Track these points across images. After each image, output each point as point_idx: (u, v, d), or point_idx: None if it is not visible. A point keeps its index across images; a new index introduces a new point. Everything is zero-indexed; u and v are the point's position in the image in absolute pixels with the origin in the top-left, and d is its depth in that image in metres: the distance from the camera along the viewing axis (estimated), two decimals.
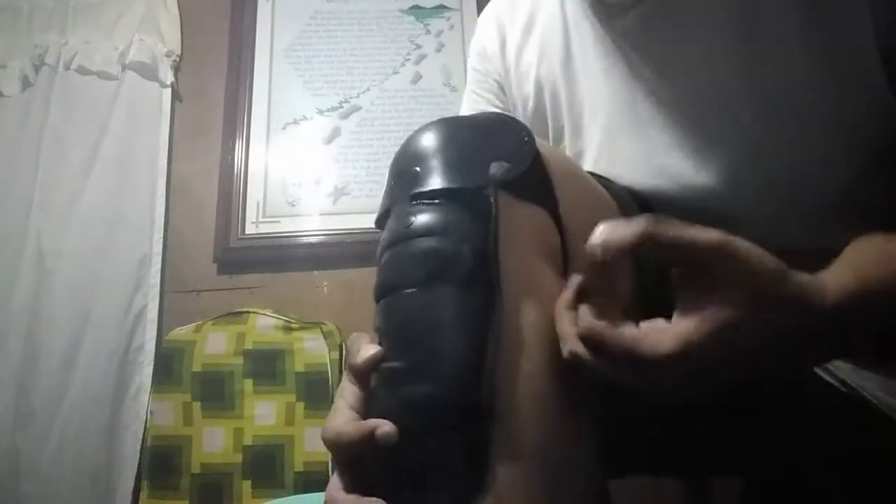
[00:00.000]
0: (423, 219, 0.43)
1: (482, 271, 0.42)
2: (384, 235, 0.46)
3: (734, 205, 0.58)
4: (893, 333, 0.44)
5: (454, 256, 0.42)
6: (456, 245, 0.42)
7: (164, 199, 1.82)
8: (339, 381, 1.82)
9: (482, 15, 0.85)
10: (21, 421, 1.64)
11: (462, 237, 0.42)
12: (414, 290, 0.42)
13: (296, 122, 1.87)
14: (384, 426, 0.40)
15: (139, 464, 1.61)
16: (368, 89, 1.89)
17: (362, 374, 0.44)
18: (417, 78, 1.90)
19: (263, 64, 1.91)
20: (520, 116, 0.77)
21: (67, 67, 1.88)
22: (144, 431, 1.62)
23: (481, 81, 0.82)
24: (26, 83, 1.90)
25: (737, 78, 0.55)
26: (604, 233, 0.39)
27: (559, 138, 0.73)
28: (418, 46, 1.93)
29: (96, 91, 1.87)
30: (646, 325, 0.40)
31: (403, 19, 1.96)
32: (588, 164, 0.68)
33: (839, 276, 0.42)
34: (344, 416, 0.44)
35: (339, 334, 1.67)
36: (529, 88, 0.75)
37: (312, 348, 1.61)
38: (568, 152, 0.71)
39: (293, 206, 1.81)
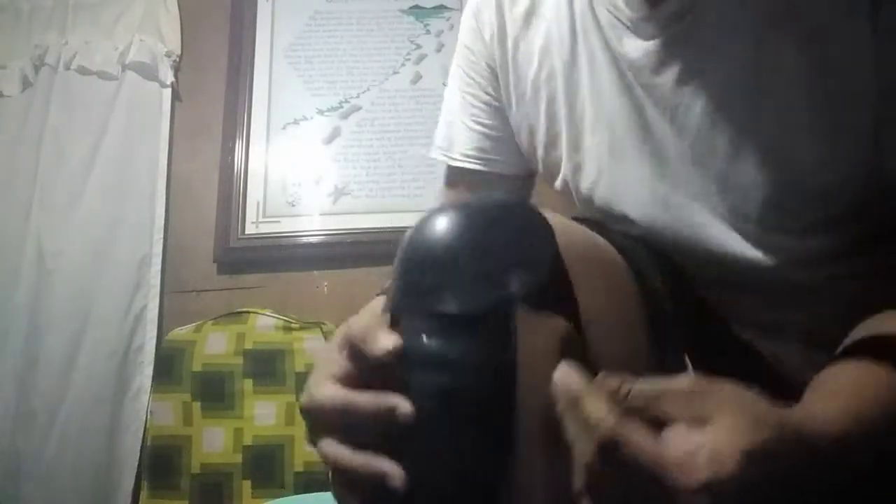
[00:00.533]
0: (436, 345, 0.41)
1: (498, 408, 0.40)
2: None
3: (732, 247, 0.59)
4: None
5: (469, 395, 0.40)
6: (472, 382, 0.40)
7: (164, 199, 1.82)
8: None
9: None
10: (21, 421, 1.64)
11: (478, 371, 0.40)
12: (425, 425, 0.40)
13: (296, 122, 1.87)
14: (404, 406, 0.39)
15: (139, 464, 1.62)
16: (368, 89, 1.89)
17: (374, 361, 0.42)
18: (417, 78, 1.90)
19: (263, 64, 1.91)
20: (512, 114, 0.74)
21: (67, 67, 1.88)
22: (144, 431, 1.63)
23: (473, 63, 0.76)
24: (26, 83, 1.90)
25: (742, 128, 0.55)
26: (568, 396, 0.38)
27: (553, 145, 0.70)
28: (418, 46, 1.93)
29: (96, 91, 1.87)
30: (677, 440, 0.36)
31: (403, 19, 1.96)
32: (587, 182, 0.67)
33: (824, 404, 0.42)
34: (335, 387, 0.42)
35: None
36: (525, 87, 0.71)
37: (312, 348, 1.61)
38: (565, 164, 0.69)
39: (293, 206, 1.81)
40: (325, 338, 1.63)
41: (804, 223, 0.56)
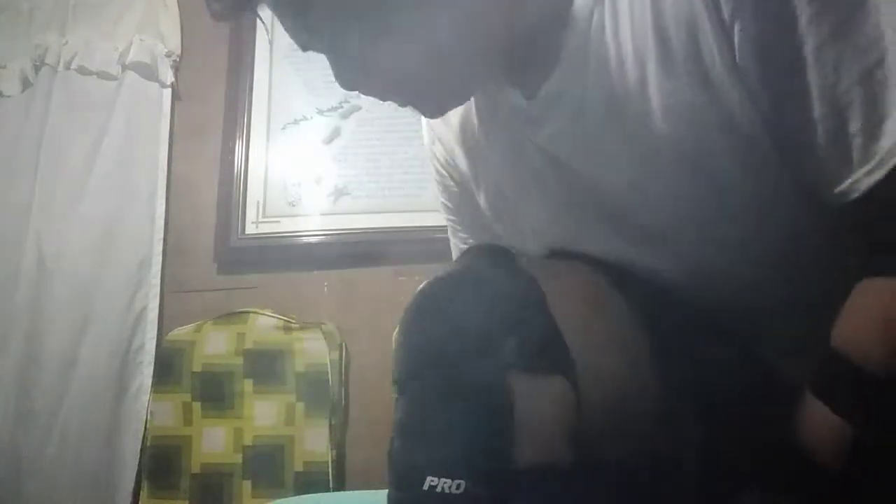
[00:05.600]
0: (441, 422, 0.44)
1: (499, 467, 0.42)
2: (398, 415, 0.46)
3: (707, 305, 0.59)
4: None
5: (474, 467, 0.43)
6: (476, 458, 0.43)
7: (164, 199, 1.82)
8: (339, 381, 1.81)
9: (427, 123, 0.78)
10: (22, 421, 1.64)
11: (482, 444, 0.43)
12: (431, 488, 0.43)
13: (296, 122, 1.87)
14: None
15: (139, 464, 1.62)
16: None
17: None
18: None
19: (263, 64, 1.91)
20: (497, 221, 0.74)
21: (67, 67, 1.87)
22: (144, 431, 1.63)
23: (443, 191, 0.80)
24: (26, 83, 1.89)
25: (652, 175, 0.54)
26: None
27: (530, 237, 0.70)
28: None
29: (96, 91, 1.86)
30: None
31: None
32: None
33: None
34: None
35: (339, 334, 1.67)
36: (484, 196, 0.72)
37: (312, 348, 1.61)
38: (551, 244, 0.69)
39: (293, 206, 1.81)
40: (325, 338, 1.63)
41: (729, 291, 0.57)
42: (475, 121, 0.67)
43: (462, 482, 0.42)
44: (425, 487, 0.42)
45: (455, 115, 0.70)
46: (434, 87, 0.52)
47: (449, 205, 0.80)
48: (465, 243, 0.80)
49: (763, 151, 0.49)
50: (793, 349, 0.61)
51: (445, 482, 0.42)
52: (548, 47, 0.53)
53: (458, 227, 0.80)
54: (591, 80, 0.53)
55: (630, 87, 0.51)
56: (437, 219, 0.87)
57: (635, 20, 0.49)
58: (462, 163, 0.73)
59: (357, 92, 0.53)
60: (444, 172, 0.77)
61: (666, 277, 0.60)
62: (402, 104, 0.55)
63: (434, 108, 0.58)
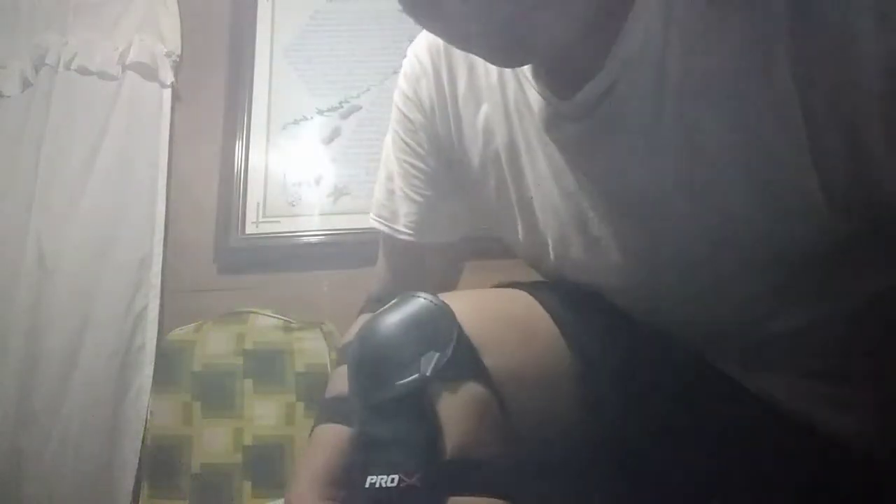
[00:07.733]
0: (377, 431, 0.51)
1: (428, 465, 0.48)
2: (353, 432, 0.54)
3: (674, 322, 0.61)
4: None
5: (405, 463, 0.49)
6: (406, 455, 0.49)
7: (164, 200, 1.82)
8: None
9: (416, 54, 0.74)
10: (22, 421, 1.64)
11: (411, 444, 0.50)
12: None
13: (296, 122, 1.87)
14: None
15: (139, 464, 1.62)
16: (368, 89, 1.88)
17: None
18: None
19: (263, 64, 1.91)
20: (461, 185, 0.73)
21: (67, 67, 1.87)
22: (144, 431, 1.63)
23: (412, 132, 0.76)
24: (26, 83, 1.89)
25: (673, 204, 0.54)
26: None
27: (509, 226, 0.69)
28: None
29: (96, 91, 1.86)
30: None
31: (403, 19, 1.91)
32: (547, 263, 0.67)
33: None
34: None
35: (339, 334, 1.67)
36: (472, 164, 0.70)
37: (312, 348, 1.61)
38: (524, 242, 0.69)
39: (293, 206, 1.81)
40: (325, 338, 1.62)
41: (737, 304, 0.58)
42: (505, 120, 0.65)
43: (396, 476, 0.48)
44: (367, 486, 0.48)
45: (461, 76, 0.69)
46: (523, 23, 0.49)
47: (419, 150, 0.76)
48: (419, 194, 0.76)
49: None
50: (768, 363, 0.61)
51: (382, 478, 0.48)
52: (596, 47, 0.53)
53: (420, 177, 0.76)
54: (637, 99, 0.53)
55: (675, 121, 0.52)
56: None
57: (708, 56, 0.49)
58: (453, 122, 0.71)
59: (420, 21, 0.58)
60: (428, 115, 0.73)
61: (657, 299, 0.61)
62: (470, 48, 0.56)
63: (505, 58, 0.55)
